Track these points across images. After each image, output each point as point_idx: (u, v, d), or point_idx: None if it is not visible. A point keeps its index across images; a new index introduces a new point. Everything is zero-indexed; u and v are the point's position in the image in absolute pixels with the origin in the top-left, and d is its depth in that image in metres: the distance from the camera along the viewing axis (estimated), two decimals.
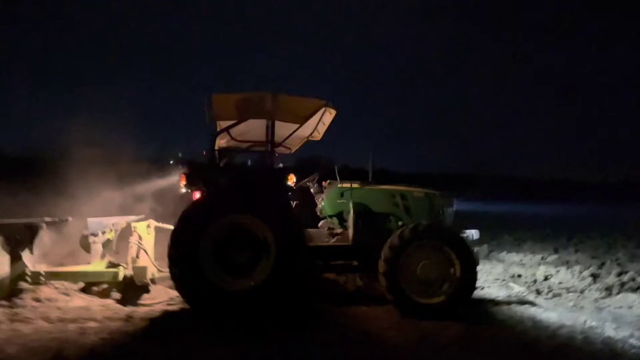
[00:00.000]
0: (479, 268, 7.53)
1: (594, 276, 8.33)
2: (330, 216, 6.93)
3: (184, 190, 6.07)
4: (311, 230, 6.84)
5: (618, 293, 7.38)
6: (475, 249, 6.92)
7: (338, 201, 6.80)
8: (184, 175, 6.01)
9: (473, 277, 6.06)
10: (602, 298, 7.26)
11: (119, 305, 6.05)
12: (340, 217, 6.88)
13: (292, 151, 8.14)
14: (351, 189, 6.73)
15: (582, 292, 7.63)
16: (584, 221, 21.53)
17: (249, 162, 7.37)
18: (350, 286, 7.32)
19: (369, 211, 6.73)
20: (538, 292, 7.64)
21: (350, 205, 6.62)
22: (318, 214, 7.09)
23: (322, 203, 7.00)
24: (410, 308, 5.95)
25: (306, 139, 7.93)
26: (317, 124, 7.35)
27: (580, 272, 8.56)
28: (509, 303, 6.87)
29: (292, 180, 6.34)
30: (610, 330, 5.59)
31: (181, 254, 5.65)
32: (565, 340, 5.30)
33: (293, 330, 5.43)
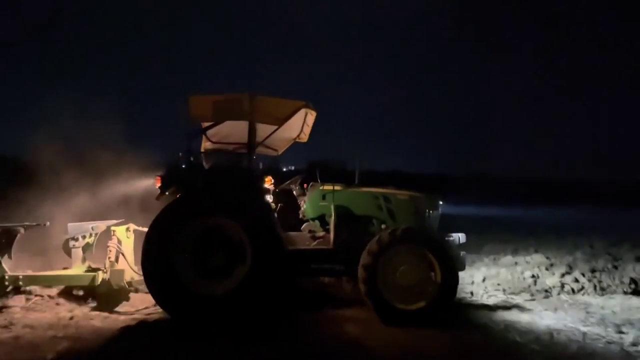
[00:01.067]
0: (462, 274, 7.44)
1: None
2: (313, 219, 6.81)
3: (159, 192, 5.98)
4: (292, 234, 6.73)
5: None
6: (462, 253, 6.80)
7: (320, 204, 6.68)
8: (159, 178, 5.94)
9: (454, 282, 5.89)
10: None
11: (95, 312, 6.00)
12: (322, 220, 6.76)
13: (279, 153, 8.05)
14: (333, 191, 6.62)
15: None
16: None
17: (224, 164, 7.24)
18: (333, 290, 7.19)
19: (351, 214, 6.61)
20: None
21: (332, 207, 6.50)
22: (301, 216, 6.98)
23: (304, 206, 6.89)
24: (389, 314, 5.81)
25: (293, 141, 7.84)
26: (302, 125, 7.27)
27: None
28: (495, 308, 6.71)
29: (269, 182, 6.24)
30: None
31: (154, 257, 5.59)
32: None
33: (271, 335, 5.35)
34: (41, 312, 5.91)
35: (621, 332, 5.66)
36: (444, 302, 5.85)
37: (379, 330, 5.56)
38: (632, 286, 7.78)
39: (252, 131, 6.19)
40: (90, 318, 5.80)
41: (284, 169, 11.33)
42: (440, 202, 6.99)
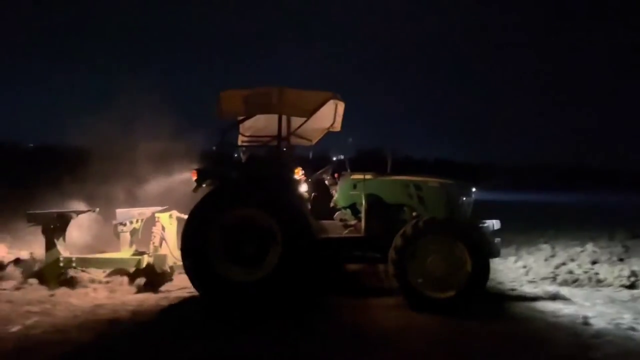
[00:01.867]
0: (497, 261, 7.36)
1: None
2: (344, 208, 6.95)
3: (196, 185, 6.30)
4: (325, 222, 6.90)
5: None
6: (497, 240, 6.73)
7: (351, 193, 6.80)
8: (194, 171, 6.26)
9: (485, 272, 5.89)
10: None
11: (138, 295, 6.49)
12: (354, 209, 6.88)
13: (313, 143, 8.19)
14: (364, 180, 6.70)
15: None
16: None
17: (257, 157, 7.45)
18: (365, 278, 7.35)
19: (381, 202, 6.69)
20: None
21: (363, 196, 6.61)
22: (332, 205, 7.13)
23: (336, 195, 7.03)
24: (419, 302, 5.90)
25: (327, 131, 7.96)
26: (334, 115, 7.37)
27: None
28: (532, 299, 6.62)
29: (299, 173, 6.41)
30: None
31: (192, 245, 5.94)
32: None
33: (300, 321, 5.56)
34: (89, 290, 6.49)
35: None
36: (474, 292, 5.87)
37: (410, 318, 5.63)
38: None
39: (281, 124, 6.34)
40: (128, 298, 6.30)
41: (334, 158, 11.46)
42: (474, 189, 6.92)
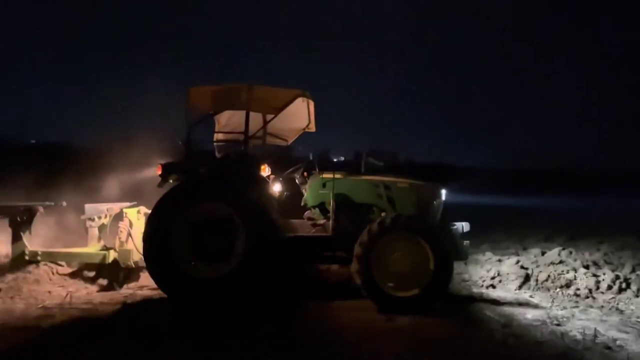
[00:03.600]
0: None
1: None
2: (313, 207, 6.92)
3: (160, 180, 6.29)
4: (294, 221, 6.86)
5: None
6: (465, 242, 6.71)
7: (320, 192, 6.77)
8: (160, 166, 6.24)
9: (448, 271, 5.87)
10: None
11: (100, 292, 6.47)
12: (322, 208, 6.85)
13: (289, 142, 8.18)
14: (333, 179, 6.68)
15: None
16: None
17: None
18: (332, 277, 7.30)
19: (350, 202, 6.67)
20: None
21: (331, 195, 6.58)
22: (302, 204, 7.10)
23: (305, 194, 7.01)
24: (382, 300, 5.86)
25: (302, 131, 7.96)
26: (308, 114, 7.38)
27: None
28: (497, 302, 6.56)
29: (264, 170, 6.40)
30: None
31: (154, 241, 5.91)
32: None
33: (264, 320, 5.49)
34: (47, 286, 6.43)
35: None
36: (438, 291, 5.85)
37: (374, 319, 5.57)
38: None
39: (247, 120, 6.34)
40: (90, 294, 6.27)
41: (334, 160, 11.44)
42: (444, 191, 6.89)
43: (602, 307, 6.35)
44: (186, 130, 6.34)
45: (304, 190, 7.10)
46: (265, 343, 4.68)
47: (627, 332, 5.29)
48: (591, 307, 6.34)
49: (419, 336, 4.99)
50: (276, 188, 6.99)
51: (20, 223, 6.69)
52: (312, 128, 7.76)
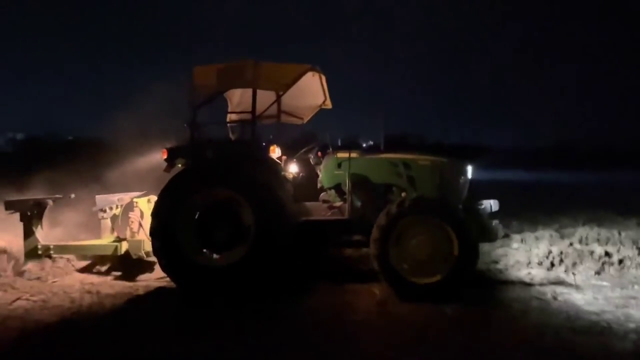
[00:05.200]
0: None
1: None
2: (329, 188, 6.54)
3: (167, 165, 6.01)
4: (309, 204, 6.51)
5: None
6: (494, 222, 6.23)
7: (335, 172, 6.37)
8: (165, 150, 5.96)
9: (473, 256, 5.39)
10: None
11: (116, 281, 6.28)
12: (339, 189, 6.46)
13: (305, 121, 7.79)
14: (349, 159, 6.28)
15: None
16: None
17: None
18: (349, 262, 6.93)
19: (367, 182, 6.26)
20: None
21: (347, 176, 6.19)
22: (318, 186, 6.73)
23: (321, 175, 6.63)
24: (402, 287, 5.46)
25: (318, 108, 7.56)
26: (324, 91, 6.99)
27: None
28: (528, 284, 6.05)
29: (274, 151, 6.03)
30: None
31: (161, 228, 5.66)
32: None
33: (282, 306, 5.28)
34: (64, 279, 6.32)
35: None
36: (462, 277, 5.38)
37: (393, 305, 5.24)
38: None
39: (255, 99, 5.96)
40: (109, 285, 6.07)
41: (364, 145, 10.99)
42: (470, 168, 6.39)
43: None
44: (191, 112, 6.02)
45: (318, 171, 6.72)
46: (272, 339, 4.39)
47: None
48: None
49: (436, 323, 4.63)
50: (290, 170, 6.63)
51: (31, 217, 6.54)
52: (328, 104, 7.34)
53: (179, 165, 6.13)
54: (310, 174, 6.88)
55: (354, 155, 6.32)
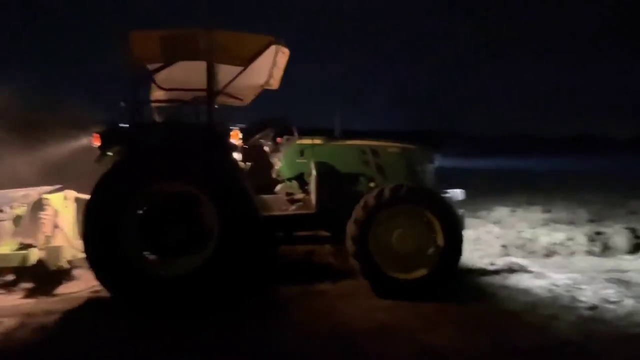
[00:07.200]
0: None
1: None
2: (289, 179, 5.81)
3: (99, 154, 4.84)
4: (267, 197, 5.74)
5: None
6: (461, 211, 5.96)
7: (297, 161, 5.67)
8: (97, 135, 4.79)
9: (459, 245, 5.05)
10: None
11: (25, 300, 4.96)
12: (301, 180, 5.78)
13: (246, 103, 6.89)
14: (313, 145, 5.61)
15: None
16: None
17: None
18: (317, 260, 6.31)
19: (334, 171, 5.63)
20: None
21: (312, 165, 5.52)
22: (274, 176, 5.96)
23: (279, 164, 5.86)
24: (385, 285, 4.96)
25: (262, 88, 6.67)
26: (272, 68, 6.11)
27: None
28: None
29: (236, 137, 5.16)
30: None
31: (98, 231, 4.55)
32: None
33: (248, 315, 4.49)
34: None
35: None
36: (449, 269, 5.01)
37: (370, 306, 4.72)
38: None
39: (211, 74, 5.01)
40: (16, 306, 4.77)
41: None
42: (436, 155, 6.07)
43: None
44: (130, 87, 4.89)
45: (274, 160, 5.95)
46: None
47: None
48: None
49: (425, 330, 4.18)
50: (240, 157, 5.76)
51: None
52: (274, 85, 6.51)
53: (110, 154, 4.98)
54: (263, 162, 6.06)
55: (317, 141, 5.67)
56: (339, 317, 4.44)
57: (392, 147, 5.80)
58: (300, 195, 5.73)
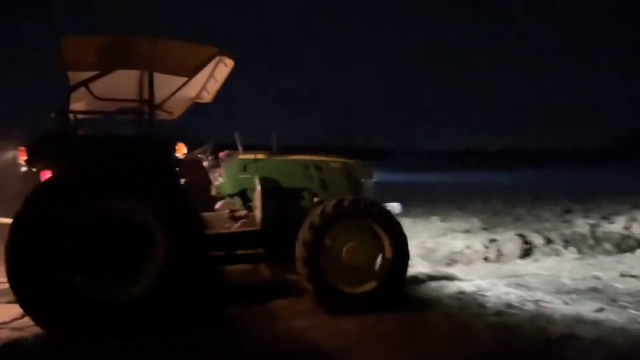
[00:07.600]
0: None
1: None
2: (231, 195, 5.62)
3: (25, 169, 4.34)
4: (207, 215, 5.47)
5: None
6: None
7: (240, 176, 5.52)
8: (24, 149, 4.29)
9: (406, 258, 5.16)
10: None
11: None
12: (244, 196, 5.62)
13: (175, 116, 6.57)
14: (256, 160, 5.49)
15: None
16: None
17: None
18: (259, 279, 6.12)
19: (279, 187, 5.55)
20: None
21: (256, 180, 5.39)
22: (214, 193, 5.73)
23: (220, 179, 5.65)
24: (335, 300, 4.91)
25: (192, 101, 6.40)
26: (207, 80, 5.89)
27: None
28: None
29: (180, 150, 4.90)
30: None
31: (26, 255, 4.06)
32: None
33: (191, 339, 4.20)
34: None
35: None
36: (399, 280, 5.10)
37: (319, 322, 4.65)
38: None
39: (152, 84, 4.73)
40: None
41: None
42: (374, 170, 6.21)
43: None
44: (63, 96, 4.46)
45: (215, 176, 5.72)
46: None
47: None
48: None
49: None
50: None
51: None
52: (206, 98, 6.29)
53: (34, 170, 4.48)
54: (202, 178, 5.81)
55: (260, 156, 5.56)
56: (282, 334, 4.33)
57: (334, 162, 5.85)
58: (243, 212, 5.56)
